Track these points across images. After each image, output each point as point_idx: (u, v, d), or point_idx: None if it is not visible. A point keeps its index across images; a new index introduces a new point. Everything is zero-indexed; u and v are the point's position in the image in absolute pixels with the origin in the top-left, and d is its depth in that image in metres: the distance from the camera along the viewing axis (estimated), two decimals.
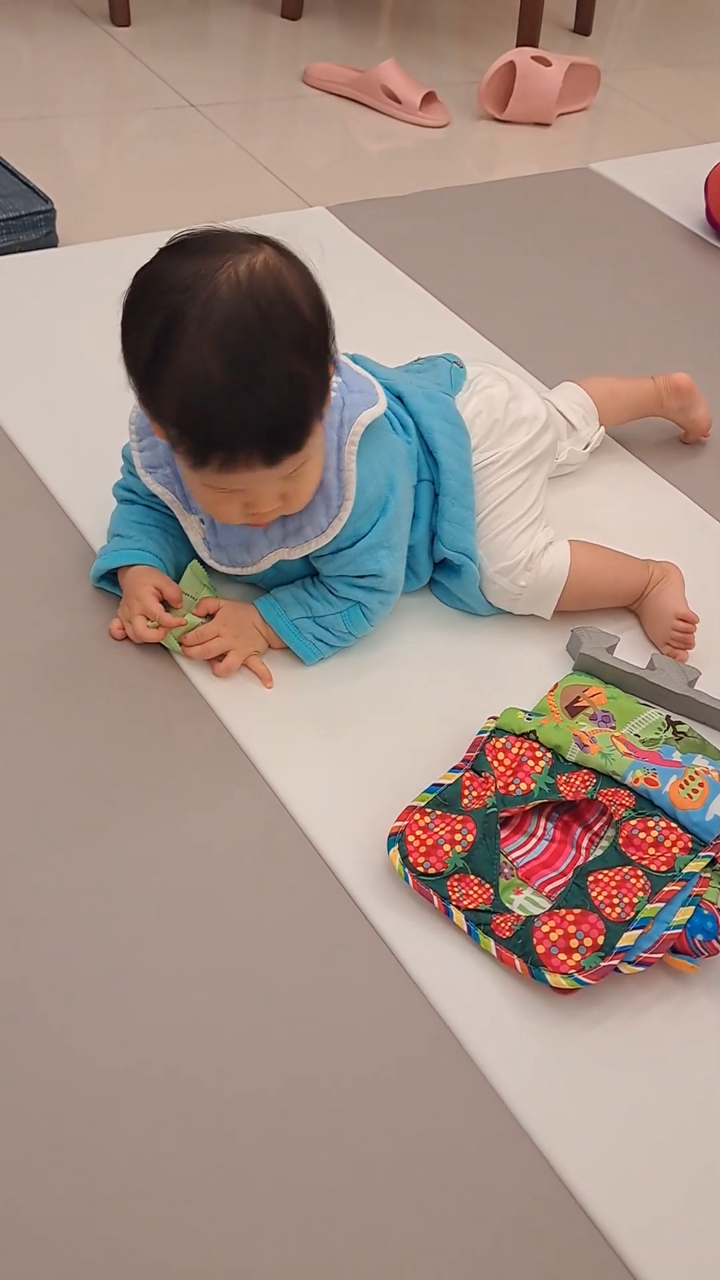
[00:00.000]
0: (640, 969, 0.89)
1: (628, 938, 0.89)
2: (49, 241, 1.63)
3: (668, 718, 1.11)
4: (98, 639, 1.09)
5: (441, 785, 1.00)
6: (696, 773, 0.99)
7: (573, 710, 1.10)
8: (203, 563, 1.11)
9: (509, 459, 1.16)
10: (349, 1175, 0.79)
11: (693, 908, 0.91)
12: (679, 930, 0.90)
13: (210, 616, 1.08)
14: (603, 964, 0.88)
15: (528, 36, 2.41)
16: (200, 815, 0.98)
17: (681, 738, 1.09)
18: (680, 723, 1.10)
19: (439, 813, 0.97)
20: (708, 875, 0.93)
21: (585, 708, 1.10)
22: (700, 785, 0.98)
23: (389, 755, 1.05)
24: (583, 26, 2.75)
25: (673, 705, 1.13)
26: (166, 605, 1.07)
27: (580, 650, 1.14)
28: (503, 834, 0.99)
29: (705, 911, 0.91)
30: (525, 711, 1.05)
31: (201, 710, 1.05)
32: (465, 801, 0.98)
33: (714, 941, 0.91)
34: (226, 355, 0.87)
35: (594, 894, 0.92)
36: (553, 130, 2.32)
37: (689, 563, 1.26)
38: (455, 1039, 0.87)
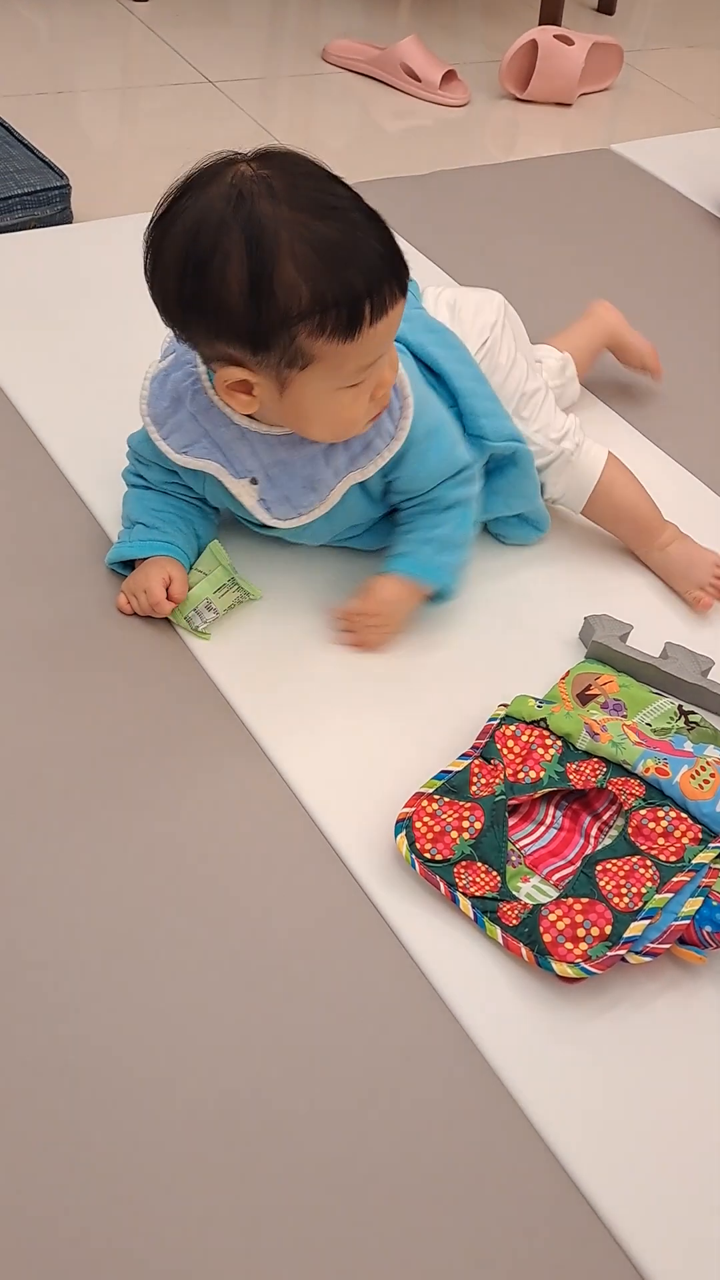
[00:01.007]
0: (647, 959, 0.89)
1: (635, 928, 0.89)
2: (64, 217, 1.62)
3: (680, 707, 1.10)
4: (105, 617, 1.08)
5: (450, 772, 0.99)
6: (708, 763, 0.98)
7: (584, 698, 1.09)
8: (255, 528, 1.11)
9: (498, 338, 1.18)
10: (350, 1161, 0.79)
11: (701, 899, 0.91)
12: (687, 921, 0.90)
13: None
14: (610, 954, 0.88)
15: (550, 15, 2.39)
16: (206, 797, 0.98)
17: (693, 727, 1.08)
18: (692, 712, 1.09)
19: (447, 799, 0.97)
20: (717, 866, 0.93)
21: (596, 696, 1.09)
22: (712, 776, 0.97)
23: (398, 741, 1.04)
24: (606, 5, 2.72)
25: (685, 694, 1.12)
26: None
27: (593, 638, 1.13)
28: (511, 822, 0.98)
29: (714, 903, 0.91)
30: (536, 699, 1.04)
31: (209, 692, 1.05)
32: (474, 789, 0.98)
33: None
34: (319, 213, 0.89)
35: (602, 883, 0.92)
36: (574, 110, 2.30)
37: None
38: (460, 1026, 0.87)
